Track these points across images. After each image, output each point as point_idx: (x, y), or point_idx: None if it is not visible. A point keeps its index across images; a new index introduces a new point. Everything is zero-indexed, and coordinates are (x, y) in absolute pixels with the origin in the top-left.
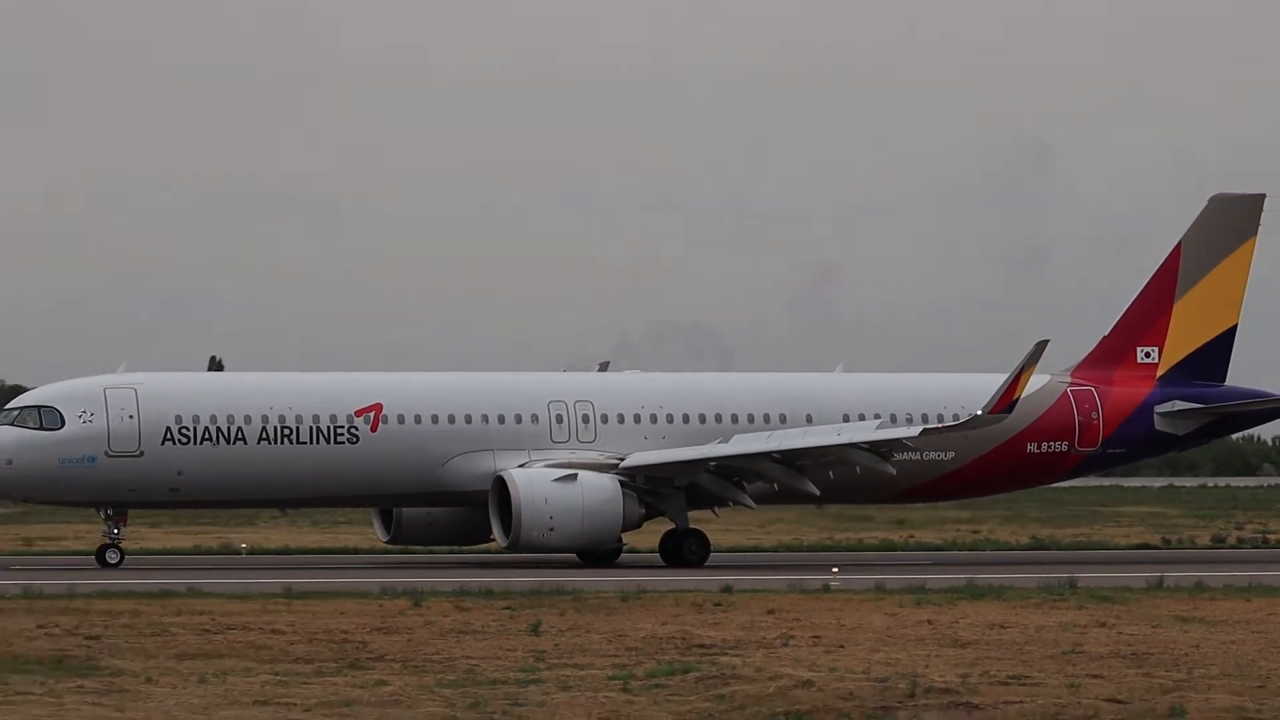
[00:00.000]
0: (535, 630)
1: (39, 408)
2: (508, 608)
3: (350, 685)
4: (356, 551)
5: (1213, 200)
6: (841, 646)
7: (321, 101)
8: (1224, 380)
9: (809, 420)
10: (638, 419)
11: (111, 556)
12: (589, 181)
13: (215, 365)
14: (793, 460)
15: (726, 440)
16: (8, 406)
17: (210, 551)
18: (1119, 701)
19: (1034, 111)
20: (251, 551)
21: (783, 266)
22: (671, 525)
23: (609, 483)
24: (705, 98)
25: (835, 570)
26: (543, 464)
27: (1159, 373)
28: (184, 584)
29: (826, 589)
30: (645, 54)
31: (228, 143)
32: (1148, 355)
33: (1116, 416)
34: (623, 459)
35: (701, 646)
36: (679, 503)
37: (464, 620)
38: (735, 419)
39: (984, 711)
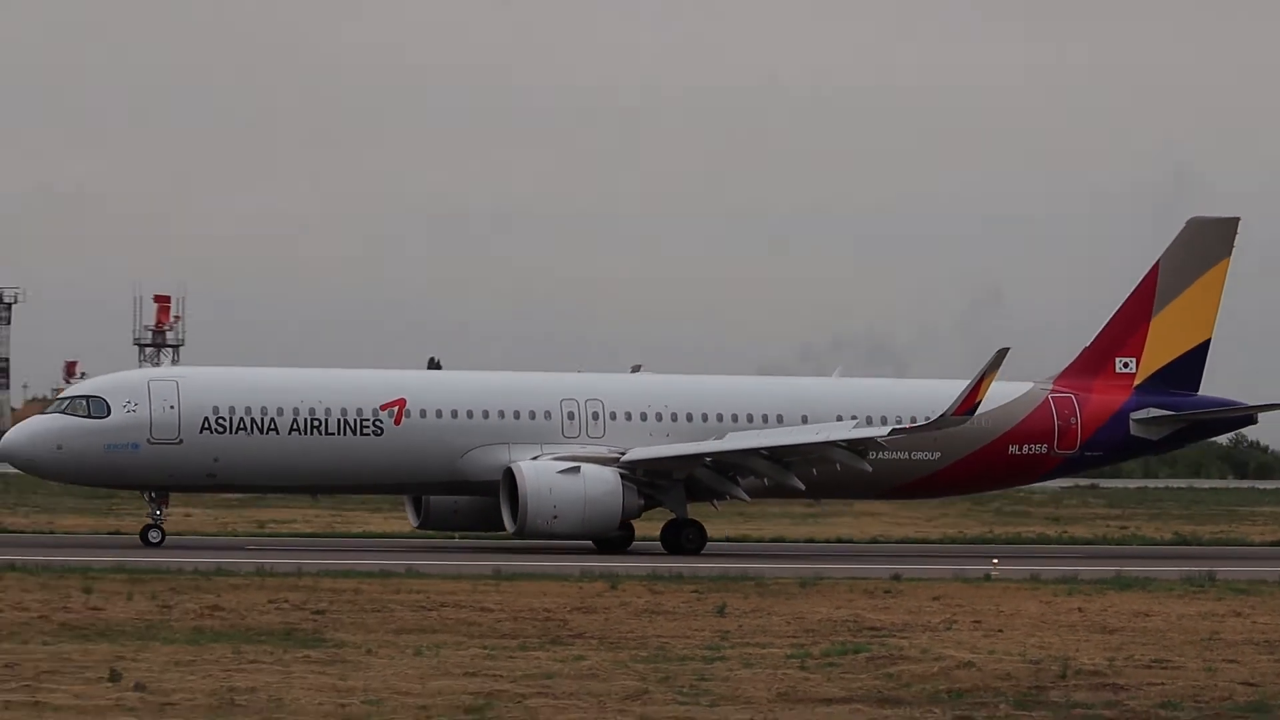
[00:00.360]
0: (721, 612)
1: (88, 398)
2: (696, 591)
3: (551, 659)
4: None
5: (1190, 222)
6: (1000, 631)
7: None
8: (1198, 389)
9: (804, 420)
10: (644, 417)
11: (154, 536)
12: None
13: (433, 364)
14: (780, 457)
15: (721, 437)
16: (60, 396)
17: (425, 536)
18: (1252, 684)
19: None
20: (465, 538)
21: (949, 282)
22: (672, 516)
23: (610, 475)
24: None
25: (995, 561)
26: (550, 457)
27: (1136, 382)
28: (403, 565)
29: (987, 578)
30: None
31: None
32: (1126, 365)
33: (1094, 422)
34: (624, 453)
35: (872, 629)
36: (678, 495)
37: (656, 602)
38: (735, 418)
39: (1128, 692)
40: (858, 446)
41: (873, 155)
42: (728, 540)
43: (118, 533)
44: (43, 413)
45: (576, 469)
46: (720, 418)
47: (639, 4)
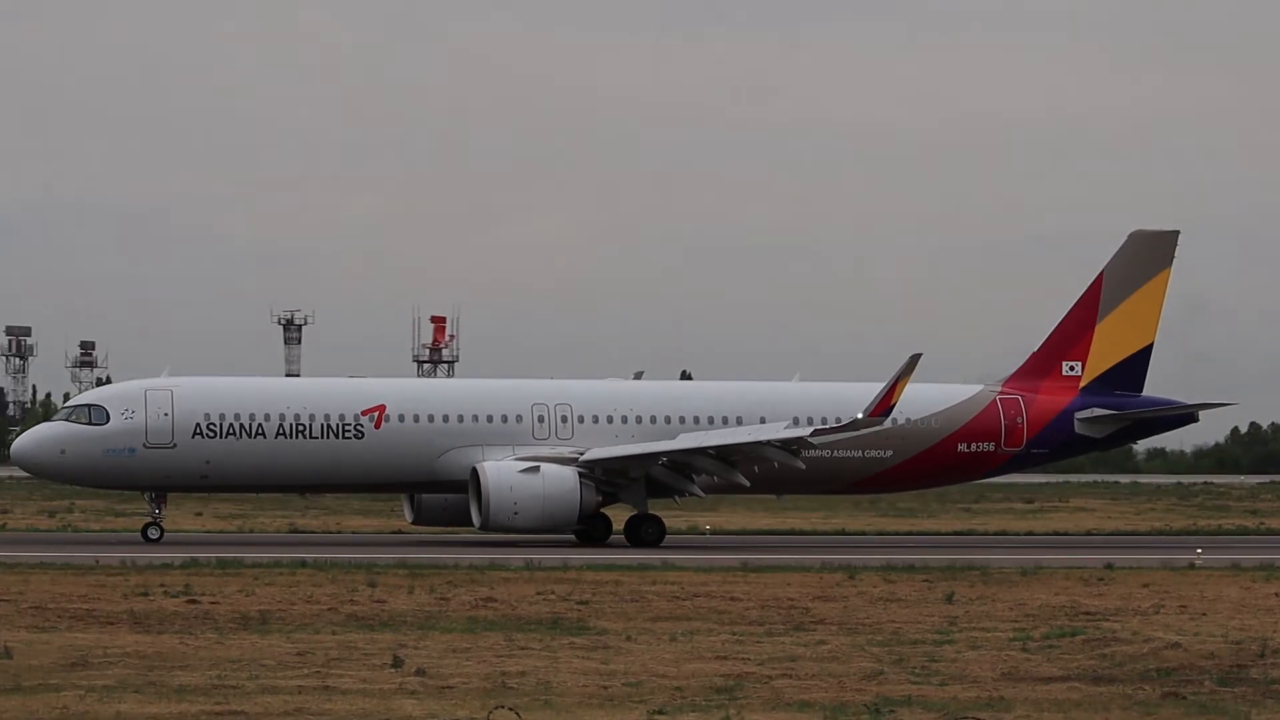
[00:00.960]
0: (949, 599)
1: (89, 406)
2: (926, 580)
3: (795, 644)
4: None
5: (1132, 235)
6: (1204, 614)
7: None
8: (1141, 390)
9: (762, 421)
10: (610, 420)
11: (152, 533)
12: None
13: (684, 376)
14: (724, 455)
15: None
16: (64, 405)
17: (677, 532)
18: None
19: None
20: (715, 532)
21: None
22: (634, 511)
23: (569, 474)
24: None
25: (1199, 551)
26: (514, 457)
27: (1082, 384)
28: (659, 559)
29: (1192, 566)
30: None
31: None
32: (1072, 369)
33: (1039, 421)
34: (583, 453)
35: (1087, 614)
36: (639, 492)
37: (890, 590)
38: (697, 420)
39: None
40: (791, 446)
41: None
42: (955, 534)
43: (399, 532)
44: (49, 420)
45: (536, 468)
46: (683, 420)
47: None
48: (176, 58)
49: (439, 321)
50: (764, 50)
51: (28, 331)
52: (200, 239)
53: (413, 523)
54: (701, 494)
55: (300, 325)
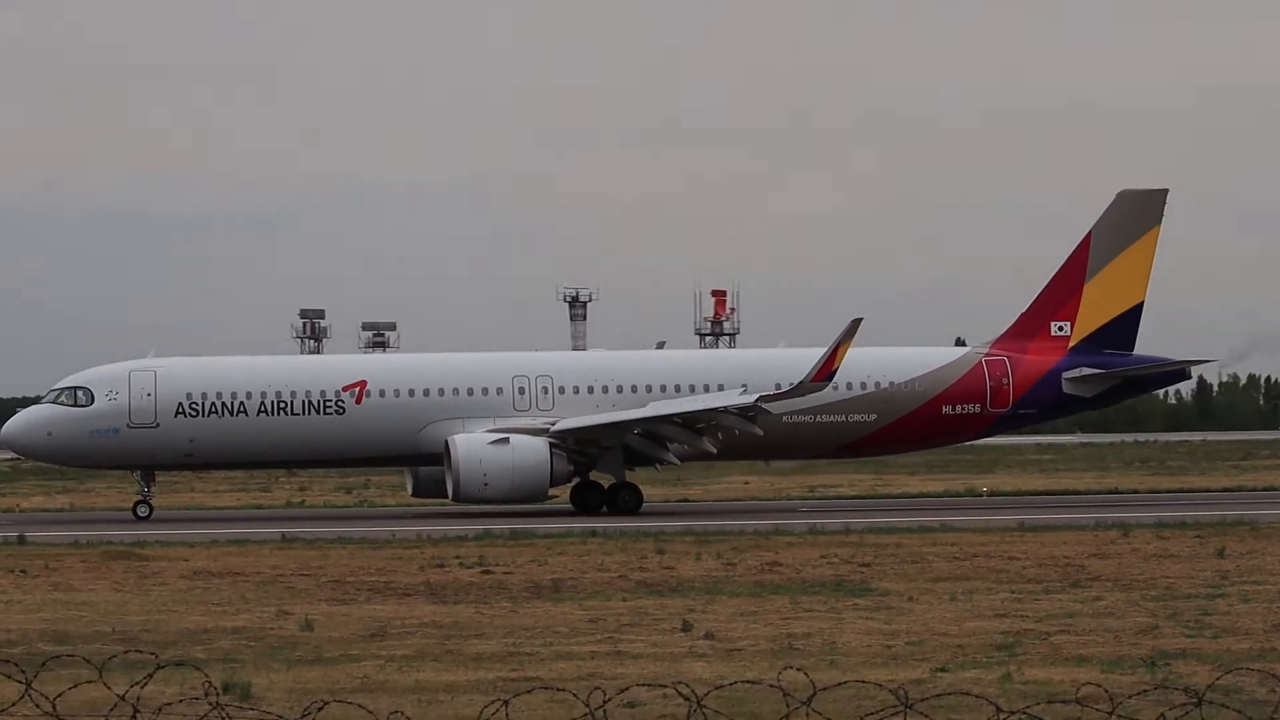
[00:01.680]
0: (1220, 554)
1: (75, 388)
2: (1198, 536)
3: (1072, 600)
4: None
5: (1120, 195)
6: None
7: None
8: (1132, 349)
9: (744, 389)
10: (591, 390)
11: (142, 510)
12: None
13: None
14: (690, 423)
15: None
16: (51, 388)
17: (955, 494)
18: None
19: None
20: (992, 494)
21: None
22: (613, 480)
23: (540, 444)
24: None
25: None
26: (486, 429)
27: (1071, 344)
28: (938, 521)
29: None
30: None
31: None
32: (1061, 329)
33: (1026, 382)
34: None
35: None
36: (614, 460)
37: (1163, 547)
38: (679, 389)
39: None
40: (748, 413)
41: None
42: (1225, 491)
43: (685, 500)
44: (38, 403)
45: (506, 440)
46: (664, 389)
47: None
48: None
49: (719, 295)
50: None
51: (321, 314)
52: (491, 217)
53: (412, 495)
54: (676, 461)
55: (585, 302)
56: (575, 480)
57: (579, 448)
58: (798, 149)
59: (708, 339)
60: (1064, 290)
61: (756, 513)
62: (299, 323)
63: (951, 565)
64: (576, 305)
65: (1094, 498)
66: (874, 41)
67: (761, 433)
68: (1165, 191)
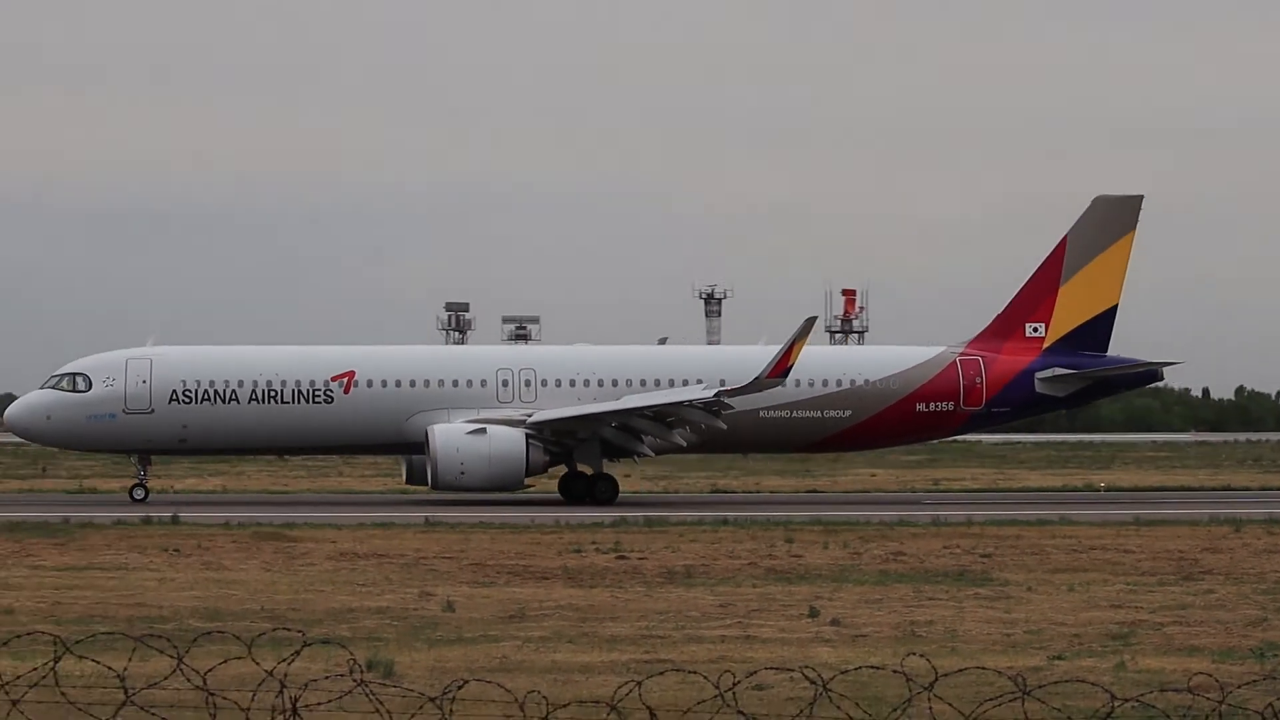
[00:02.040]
0: None
1: (74, 374)
2: None
3: (1185, 593)
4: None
5: (1096, 200)
6: None
7: None
8: (1106, 351)
9: (722, 384)
10: (573, 383)
11: (137, 493)
12: None
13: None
14: (660, 416)
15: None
16: (52, 374)
17: (1073, 489)
18: None
19: None
20: (1109, 489)
21: None
22: (589, 471)
23: (516, 435)
24: None
25: None
26: (463, 419)
27: (1045, 345)
28: (1056, 514)
29: None
30: None
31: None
32: (1036, 330)
33: (1000, 381)
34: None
35: None
36: (593, 451)
37: (1273, 542)
38: (658, 383)
39: None
40: (711, 407)
41: None
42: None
43: (814, 491)
44: (40, 389)
45: (483, 430)
46: (644, 383)
47: None
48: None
49: (849, 294)
50: None
51: (465, 307)
52: (635, 214)
53: (406, 482)
54: (651, 454)
55: (720, 299)
56: (564, 471)
57: (555, 439)
58: (930, 152)
59: (836, 336)
60: (1039, 292)
61: (774, 504)
62: (445, 315)
63: (1069, 557)
64: (711, 302)
65: (1207, 494)
66: (1019, 50)
67: (725, 426)
68: (1140, 198)
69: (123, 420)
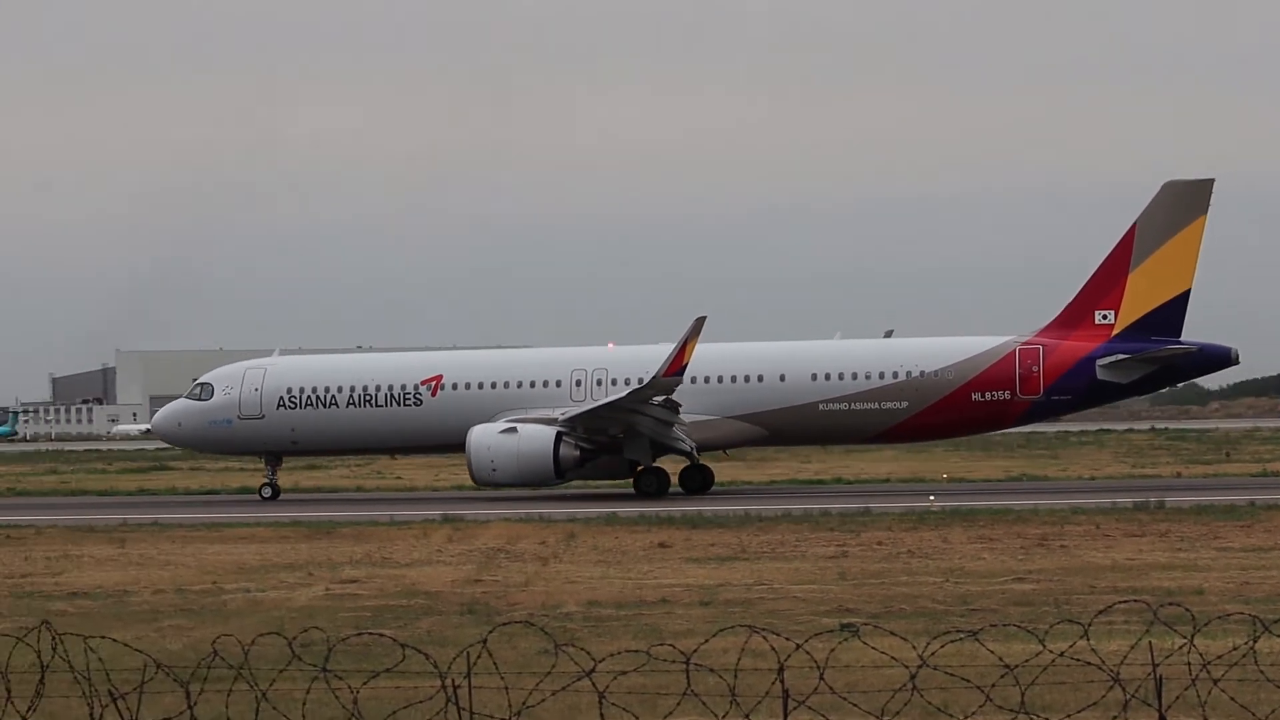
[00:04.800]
0: None
1: (202, 384)
2: None
3: None
4: None
5: (1166, 185)
6: None
7: None
8: (1179, 336)
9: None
10: (641, 381)
11: (265, 492)
12: None
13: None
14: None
15: None
16: (194, 382)
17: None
18: None
19: None
20: None
21: None
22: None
23: (545, 432)
24: None
25: None
26: (506, 419)
27: (1115, 331)
28: None
29: None
30: None
31: None
32: (1105, 317)
33: (1058, 369)
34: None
35: None
36: (640, 446)
37: None
38: (729, 379)
39: None
40: (670, 404)
41: None
42: None
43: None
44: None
45: (514, 429)
46: (709, 380)
47: None
48: None
49: None
50: None
51: None
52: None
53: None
54: (687, 446)
55: None
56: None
57: (587, 435)
58: None
59: None
60: (1109, 280)
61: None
62: None
63: None
64: None
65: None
66: None
67: (679, 420)
68: (1212, 181)
69: (238, 425)
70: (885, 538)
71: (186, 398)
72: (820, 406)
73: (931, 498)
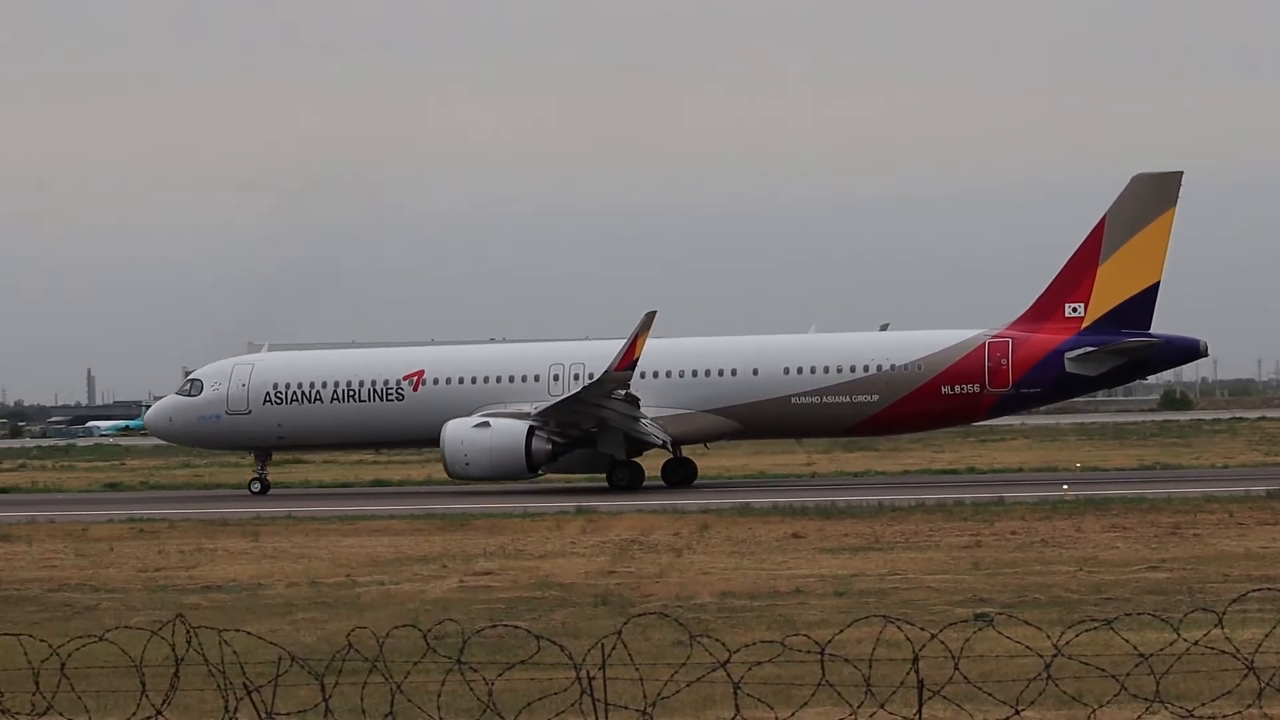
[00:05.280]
0: None
1: (192, 379)
2: None
3: None
4: None
5: (1135, 179)
6: None
7: None
8: (1149, 328)
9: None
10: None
11: (255, 486)
12: None
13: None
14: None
15: None
16: (185, 378)
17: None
18: None
19: None
20: None
21: None
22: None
23: (517, 427)
24: None
25: None
26: (480, 413)
27: (1084, 324)
28: None
29: None
30: None
31: None
32: (1074, 310)
33: (1027, 362)
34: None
35: None
36: (615, 439)
37: None
38: (709, 373)
39: None
40: (631, 399)
41: None
42: None
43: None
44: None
45: (487, 424)
46: (683, 374)
47: None
48: None
49: None
50: None
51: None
52: None
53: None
54: (659, 442)
55: None
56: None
57: (560, 429)
58: None
59: None
60: (1078, 273)
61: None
62: None
63: None
64: None
65: None
66: None
67: (640, 416)
68: (1180, 174)
69: (226, 421)
70: (1019, 527)
71: (177, 393)
72: (792, 400)
73: (1065, 486)
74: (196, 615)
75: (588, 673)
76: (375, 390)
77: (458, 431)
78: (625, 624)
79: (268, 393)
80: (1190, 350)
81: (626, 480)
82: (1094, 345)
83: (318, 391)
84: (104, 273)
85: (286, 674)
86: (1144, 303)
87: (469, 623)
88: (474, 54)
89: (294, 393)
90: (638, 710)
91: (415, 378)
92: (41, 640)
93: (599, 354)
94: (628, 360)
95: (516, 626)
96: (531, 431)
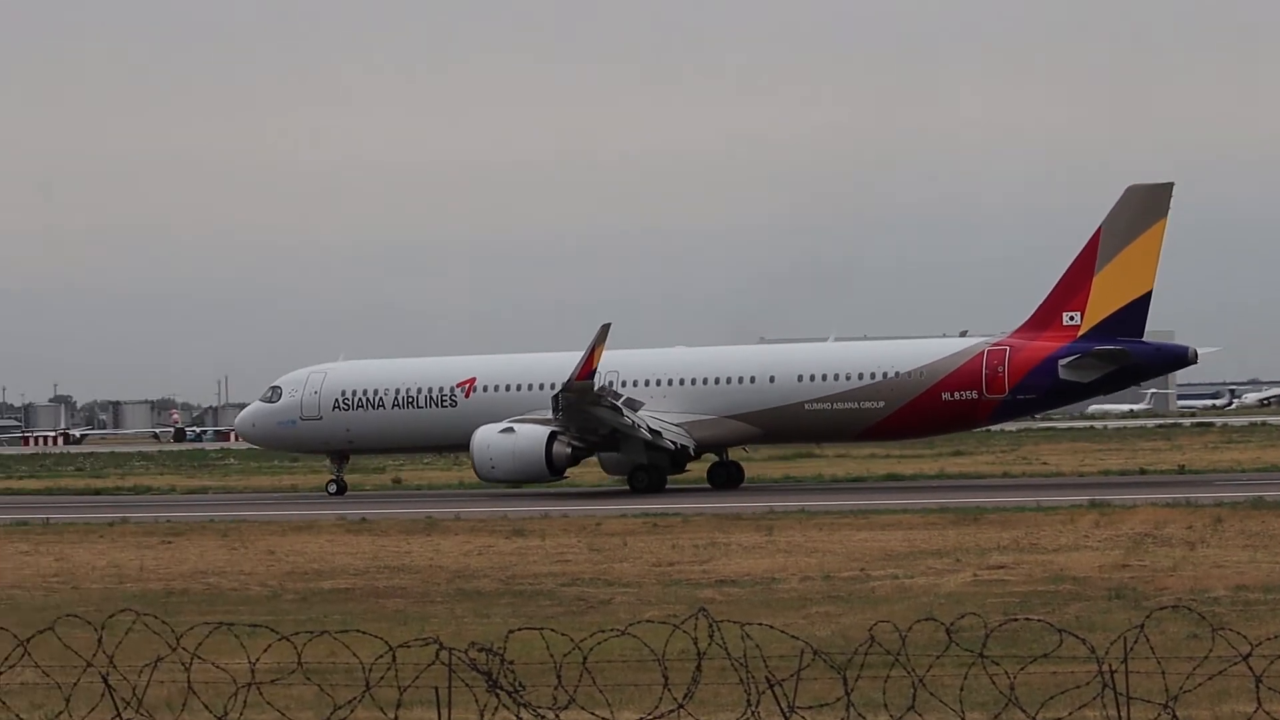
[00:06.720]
0: None
1: (274, 387)
2: None
3: None
4: None
5: (1129, 190)
6: None
7: None
8: (1141, 336)
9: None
10: (657, 383)
11: (331, 488)
12: None
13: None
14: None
15: None
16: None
17: None
18: None
19: None
20: None
21: None
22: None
23: (539, 432)
24: None
25: None
26: (507, 420)
27: (1080, 332)
28: None
29: None
30: None
31: None
32: (1071, 318)
33: (1023, 369)
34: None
35: None
36: (635, 445)
37: None
38: (729, 380)
39: None
40: (631, 404)
41: None
42: None
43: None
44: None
45: (511, 429)
46: (715, 381)
47: None
48: None
49: None
50: None
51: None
52: None
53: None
54: (671, 446)
55: None
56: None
57: (580, 435)
58: None
59: None
60: (1075, 282)
61: None
62: None
63: None
64: None
65: None
66: None
67: (631, 421)
68: (1171, 185)
69: (300, 426)
70: None
71: (260, 400)
72: (806, 406)
73: None
74: (711, 610)
75: (1109, 666)
76: (431, 397)
77: (485, 437)
78: (1147, 618)
79: (337, 400)
80: (1179, 357)
81: (646, 483)
82: (1085, 353)
83: (380, 398)
84: None
85: (808, 668)
86: (1137, 311)
87: (984, 616)
88: None
89: (360, 399)
90: (1159, 704)
91: (467, 385)
92: (563, 634)
93: (631, 362)
94: (586, 370)
95: (1037, 620)
96: (553, 436)
